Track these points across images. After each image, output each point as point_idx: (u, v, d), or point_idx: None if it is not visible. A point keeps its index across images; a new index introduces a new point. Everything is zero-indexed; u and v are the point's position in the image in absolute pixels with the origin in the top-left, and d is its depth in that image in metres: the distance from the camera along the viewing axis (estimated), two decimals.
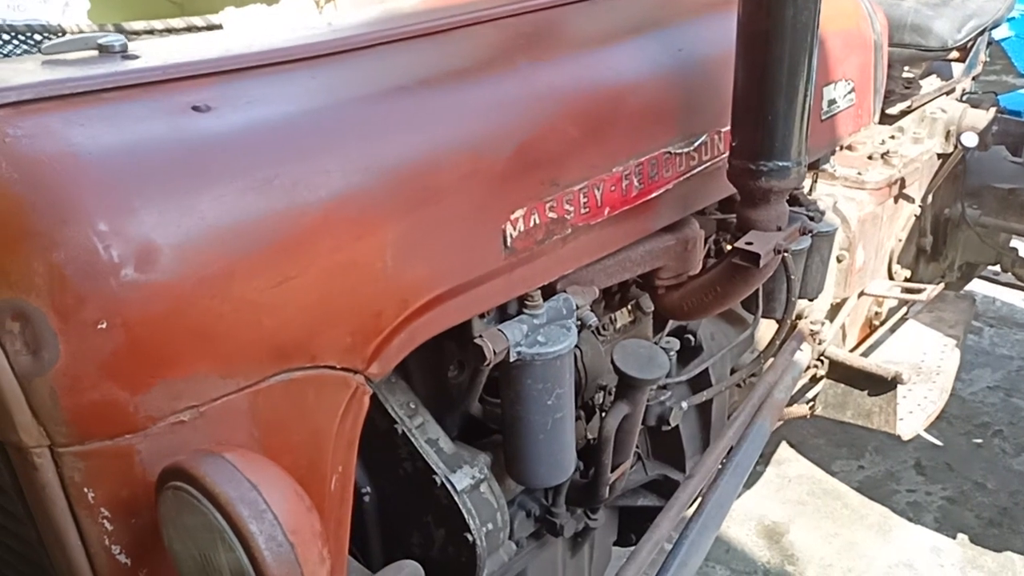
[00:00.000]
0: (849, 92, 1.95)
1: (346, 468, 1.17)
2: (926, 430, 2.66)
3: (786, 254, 1.52)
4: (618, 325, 1.71)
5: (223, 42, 1.24)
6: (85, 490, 0.93)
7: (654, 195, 1.47)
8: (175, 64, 1.10)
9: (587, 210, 1.35)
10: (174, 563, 0.94)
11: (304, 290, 1.02)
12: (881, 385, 2.31)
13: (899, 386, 2.29)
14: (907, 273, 2.85)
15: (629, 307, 1.73)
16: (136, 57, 1.13)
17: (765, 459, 3.30)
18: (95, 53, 1.13)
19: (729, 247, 1.93)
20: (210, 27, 2.75)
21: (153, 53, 1.15)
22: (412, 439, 1.36)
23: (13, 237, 0.87)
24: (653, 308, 1.74)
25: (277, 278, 1.00)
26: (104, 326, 0.87)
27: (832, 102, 1.91)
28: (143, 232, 0.90)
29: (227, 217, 0.97)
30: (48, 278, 0.86)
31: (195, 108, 1.04)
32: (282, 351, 1.02)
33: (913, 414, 2.33)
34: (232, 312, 0.96)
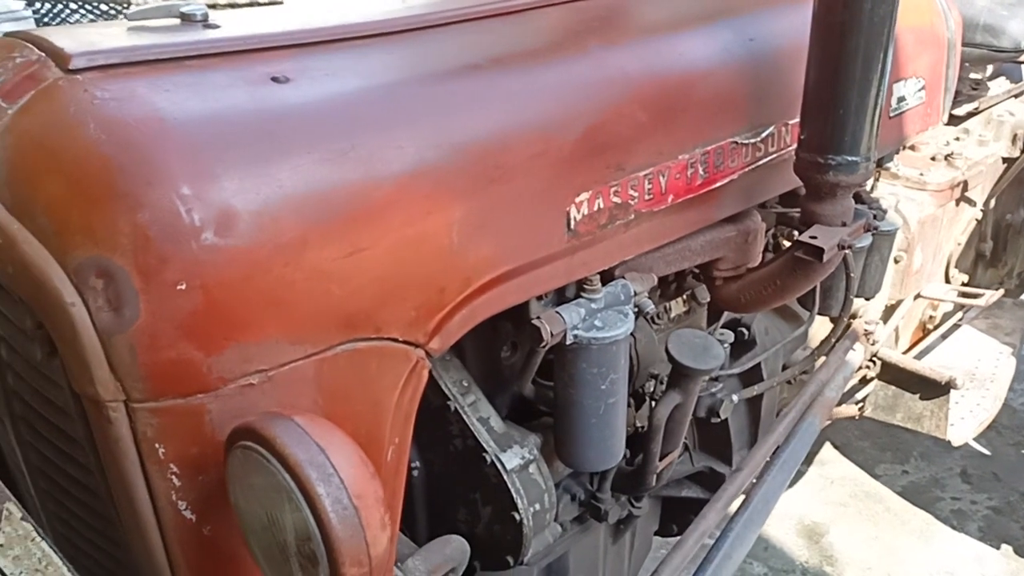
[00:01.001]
0: (919, 90, 1.92)
1: (402, 440, 1.18)
2: (974, 438, 2.61)
3: (848, 251, 1.50)
4: (672, 314, 1.71)
5: (301, 15, 1.25)
6: (156, 446, 0.95)
7: (718, 185, 1.46)
8: (255, 35, 1.12)
9: (651, 196, 1.35)
10: (238, 520, 0.96)
11: (374, 262, 1.04)
12: (934, 389, 2.28)
13: (952, 391, 2.25)
14: (965, 277, 2.80)
15: (684, 297, 1.72)
16: (217, 27, 1.15)
17: (808, 459, 3.26)
18: (177, 21, 1.16)
19: (787, 241, 1.92)
20: (272, 1, 2.78)
21: (233, 23, 1.17)
22: (464, 416, 1.37)
23: (100, 197, 0.90)
24: (708, 299, 1.73)
25: (348, 248, 1.01)
26: (183, 287, 0.90)
27: (901, 99, 1.87)
28: (223, 197, 0.92)
29: (303, 186, 0.98)
30: (132, 238, 0.88)
31: (274, 79, 1.06)
32: (349, 321, 1.04)
33: (965, 420, 2.30)
34: (304, 280, 0.98)
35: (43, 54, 1.01)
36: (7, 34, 1.10)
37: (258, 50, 1.10)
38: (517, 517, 1.37)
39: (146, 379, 0.92)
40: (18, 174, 0.94)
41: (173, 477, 0.97)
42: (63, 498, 1.14)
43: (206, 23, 1.15)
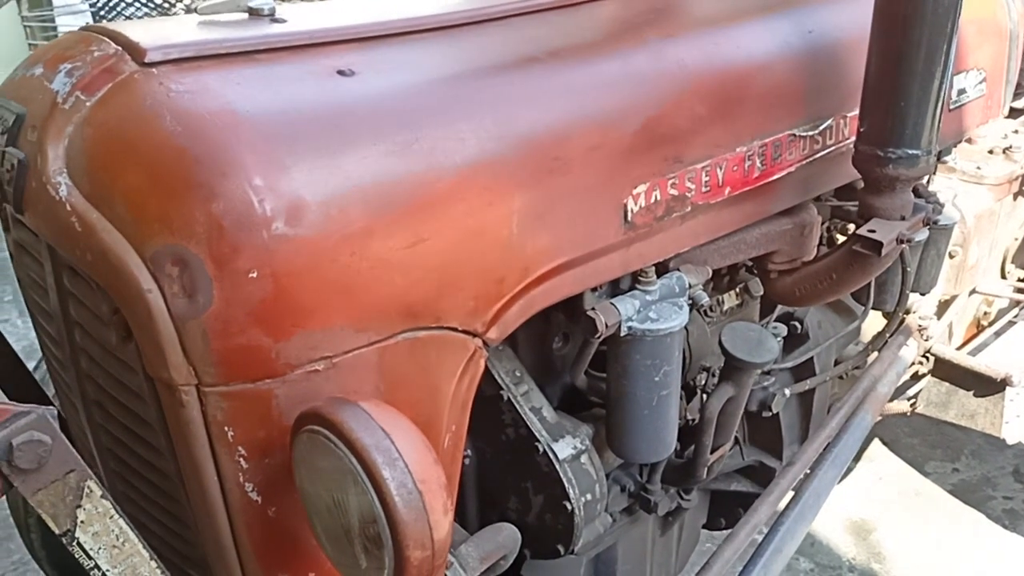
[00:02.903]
0: (980, 82, 1.89)
1: (459, 428, 1.20)
2: None
3: (906, 246, 1.49)
4: (725, 307, 1.70)
5: (364, 9, 1.27)
6: (226, 429, 0.98)
7: (775, 177, 1.45)
8: (321, 29, 1.15)
9: (708, 189, 1.35)
10: (304, 503, 0.99)
11: (435, 252, 1.06)
12: (989, 386, 2.24)
13: (1007, 388, 2.22)
14: (1021, 273, 2.74)
15: (737, 290, 1.72)
16: (283, 21, 1.17)
17: (857, 455, 3.22)
18: (245, 16, 1.18)
19: (841, 236, 1.90)
20: None
21: (299, 18, 1.19)
22: (516, 406, 1.39)
23: (176, 187, 0.93)
24: (762, 292, 1.72)
25: (412, 239, 1.03)
26: (255, 275, 0.92)
27: (962, 91, 1.84)
28: (293, 188, 0.95)
29: (369, 178, 1.00)
30: (207, 227, 0.91)
31: (340, 72, 1.08)
32: (411, 310, 1.06)
33: (1020, 418, 2.26)
34: (369, 269, 1.00)
35: (119, 48, 1.04)
36: (83, 28, 1.13)
37: (324, 44, 1.12)
38: (569, 507, 1.39)
39: (217, 364, 0.95)
40: (97, 164, 0.98)
41: (241, 459, 1.00)
42: (133, 479, 1.18)
43: (273, 17, 1.17)
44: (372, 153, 1.02)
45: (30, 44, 6.60)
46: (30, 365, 1.68)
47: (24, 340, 3.52)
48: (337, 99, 1.05)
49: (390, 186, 1.02)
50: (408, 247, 1.03)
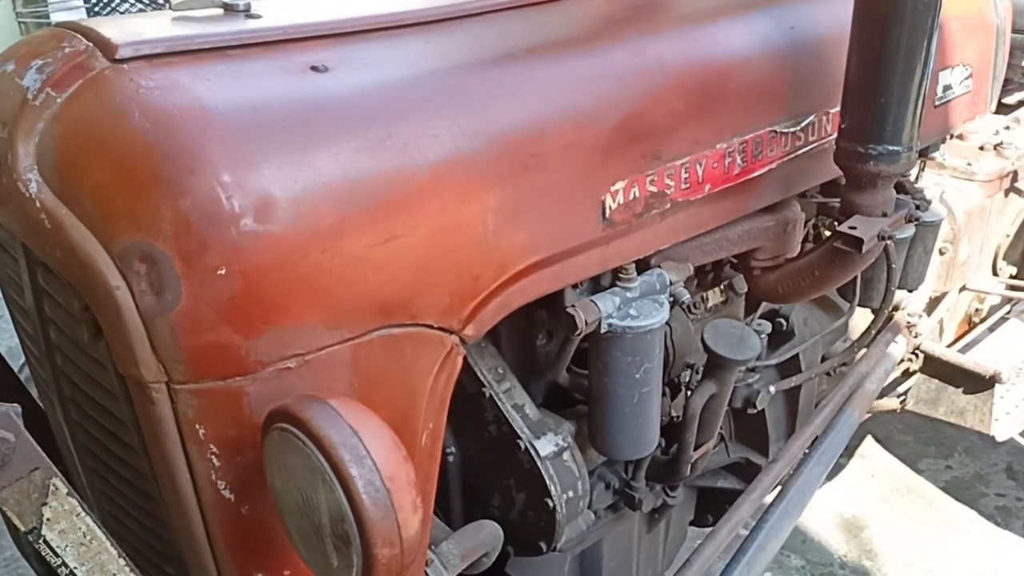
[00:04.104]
0: (966, 78, 1.88)
1: (436, 426, 1.20)
2: (1020, 434, 2.56)
3: (889, 242, 1.48)
4: (709, 304, 1.70)
5: (340, 5, 1.27)
6: (197, 426, 0.98)
7: (756, 174, 1.45)
8: (295, 25, 1.14)
9: (688, 186, 1.34)
10: (275, 501, 0.99)
11: (409, 249, 1.05)
12: (978, 383, 2.24)
13: (997, 386, 2.21)
14: (1013, 270, 2.73)
15: (722, 287, 1.71)
16: (259, 16, 1.17)
17: (849, 452, 3.23)
18: (220, 11, 1.18)
19: (827, 232, 1.90)
20: None
21: (274, 13, 1.19)
22: (499, 403, 1.39)
23: (143, 183, 0.92)
24: (746, 289, 1.72)
25: (384, 236, 1.03)
26: (223, 272, 0.92)
27: (947, 88, 1.84)
28: (263, 185, 0.94)
29: (341, 174, 1.00)
30: (175, 224, 0.90)
31: (313, 68, 1.08)
32: (384, 307, 1.06)
33: (1010, 415, 2.25)
34: (341, 266, 1.00)
35: (91, 44, 1.04)
36: (56, 24, 1.13)
37: (298, 40, 1.12)
38: (550, 504, 1.38)
39: (187, 361, 0.94)
40: (66, 161, 0.97)
41: (213, 457, 1.00)
42: (108, 476, 1.18)
43: (248, 13, 1.17)
44: (344, 150, 1.01)
45: None
46: (18, 365, 1.68)
47: (13, 340, 3.52)
48: (310, 95, 1.04)
49: (362, 183, 1.01)
50: (381, 244, 1.03)
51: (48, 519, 0.82)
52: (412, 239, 1.05)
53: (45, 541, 0.83)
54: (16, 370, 1.61)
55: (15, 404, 0.78)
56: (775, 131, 1.46)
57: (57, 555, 0.84)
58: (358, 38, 1.16)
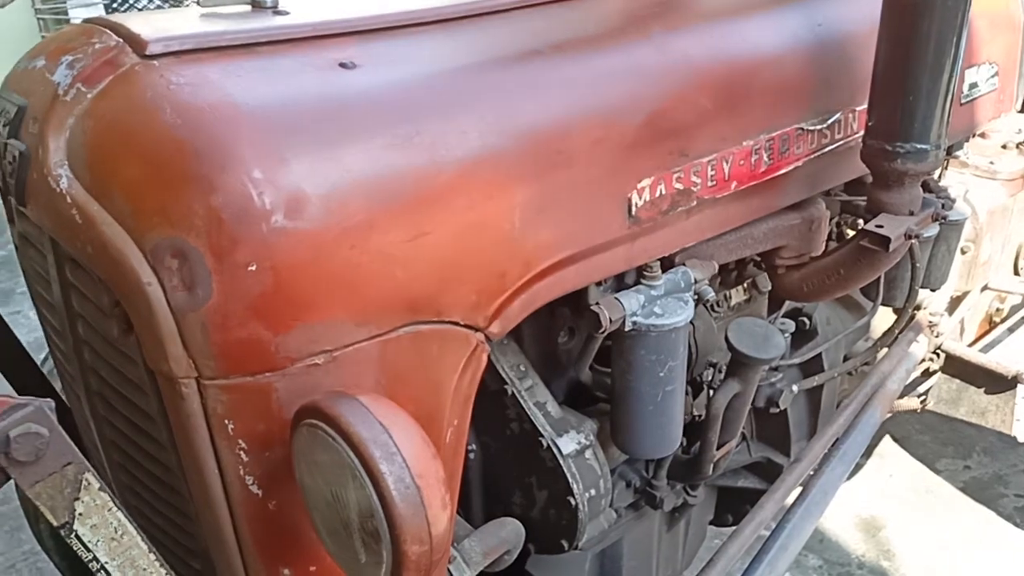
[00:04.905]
0: (992, 76, 1.86)
1: (461, 423, 1.20)
2: None
3: (915, 241, 1.47)
4: (732, 303, 1.69)
5: (366, 2, 1.27)
6: (226, 422, 0.98)
7: (783, 172, 1.44)
8: (323, 22, 1.14)
9: (714, 183, 1.34)
10: (303, 496, 0.99)
11: (436, 246, 1.05)
12: (999, 383, 2.22)
13: (1019, 385, 2.19)
14: None
15: (745, 285, 1.71)
16: (286, 13, 1.17)
17: (867, 452, 3.20)
18: (248, 8, 1.18)
19: (851, 231, 1.88)
20: None
21: (302, 10, 1.19)
22: (521, 400, 1.38)
23: (175, 179, 0.92)
24: (770, 288, 1.71)
25: (412, 232, 1.02)
26: (254, 268, 0.92)
27: (973, 85, 1.82)
28: (293, 181, 0.94)
29: (370, 171, 1.00)
30: (206, 220, 0.91)
31: (342, 65, 1.08)
32: (412, 304, 1.06)
33: None
34: (369, 263, 1.00)
35: (120, 40, 1.04)
36: (85, 20, 1.13)
37: (326, 36, 1.11)
38: (573, 502, 1.38)
39: (217, 357, 0.94)
40: (97, 157, 0.97)
41: (241, 452, 1.00)
42: (135, 471, 1.18)
43: (276, 10, 1.17)
44: (373, 146, 1.01)
45: (43, 37, 6.64)
46: (40, 357, 1.69)
47: (36, 331, 3.54)
48: (338, 92, 1.04)
49: (391, 179, 1.01)
50: (409, 240, 1.03)
51: (80, 514, 0.82)
52: (440, 236, 1.05)
53: (77, 536, 0.83)
54: (38, 363, 1.62)
55: (48, 399, 0.78)
56: (802, 128, 1.45)
57: (88, 550, 0.84)
58: (385, 35, 1.16)
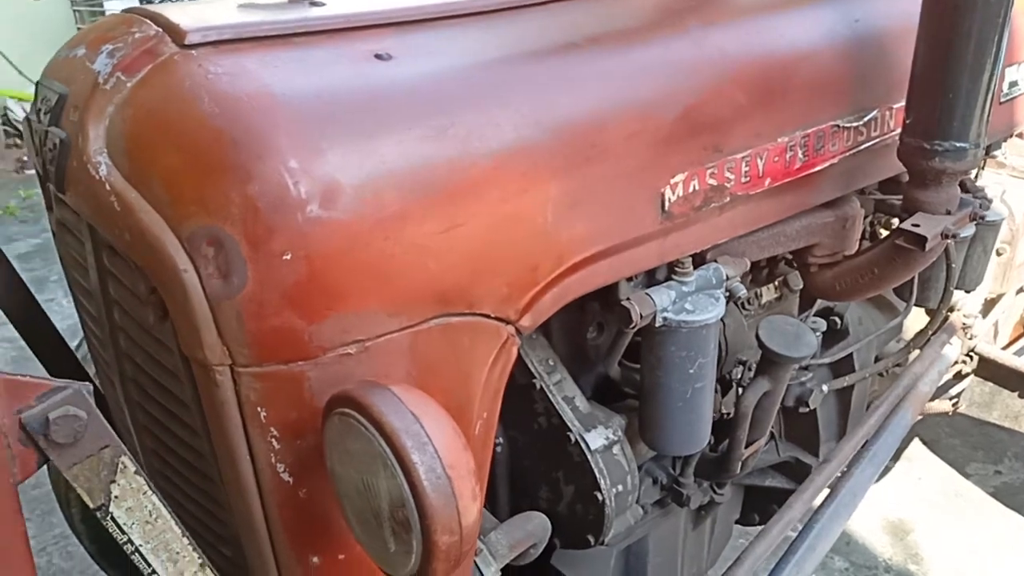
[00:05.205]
0: None
1: (490, 416, 1.20)
2: None
3: (951, 241, 1.45)
4: (763, 300, 1.68)
5: None
6: (258, 409, 0.99)
7: (817, 169, 1.42)
8: (358, 13, 1.14)
9: (748, 179, 1.32)
10: (334, 485, 0.99)
11: (469, 238, 1.05)
12: None
13: None
14: None
15: (776, 283, 1.69)
16: (322, 4, 1.17)
17: (896, 454, 3.16)
18: (285, 0, 1.19)
19: (883, 230, 1.86)
20: None
21: (337, 2, 1.19)
22: (549, 395, 1.38)
23: (213, 168, 0.93)
24: (801, 286, 1.70)
25: (446, 224, 1.03)
26: (288, 257, 0.92)
27: (1013, 84, 1.79)
28: (328, 171, 0.95)
29: (404, 162, 1.00)
30: (243, 208, 0.91)
31: (377, 56, 1.08)
32: (444, 295, 1.06)
33: None
34: (403, 254, 1.00)
35: (160, 29, 1.05)
36: (125, 10, 1.14)
37: (361, 28, 1.12)
38: (600, 497, 1.38)
39: (251, 345, 0.95)
40: (136, 144, 0.99)
41: (273, 440, 1.01)
42: (168, 456, 1.19)
43: (312, 1, 1.17)
44: (408, 137, 1.01)
45: (79, 28, 6.73)
46: (74, 344, 1.72)
47: (70, 319, 3.59)
48: (373, 83, 1.05)
49: (425, 171, 1.02)
50: (442, 232, 1.03)
51: (116, 496, 0.83)
52: (473, 228, 1.05)
53: (112, 518, 0.84)
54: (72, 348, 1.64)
55: (87, 383, 0.79)
56: (838, 126, 1.43)
57: (123, 532, 0.85)
58: (421, 27, 1.16)
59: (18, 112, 6.77)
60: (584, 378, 1.51)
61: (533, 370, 1.38)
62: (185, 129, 0.96)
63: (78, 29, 6.70)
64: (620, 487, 1.39)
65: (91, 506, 0.82)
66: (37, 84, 1.18)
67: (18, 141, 6.83)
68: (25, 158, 6.44)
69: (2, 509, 0.76)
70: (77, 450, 0.79)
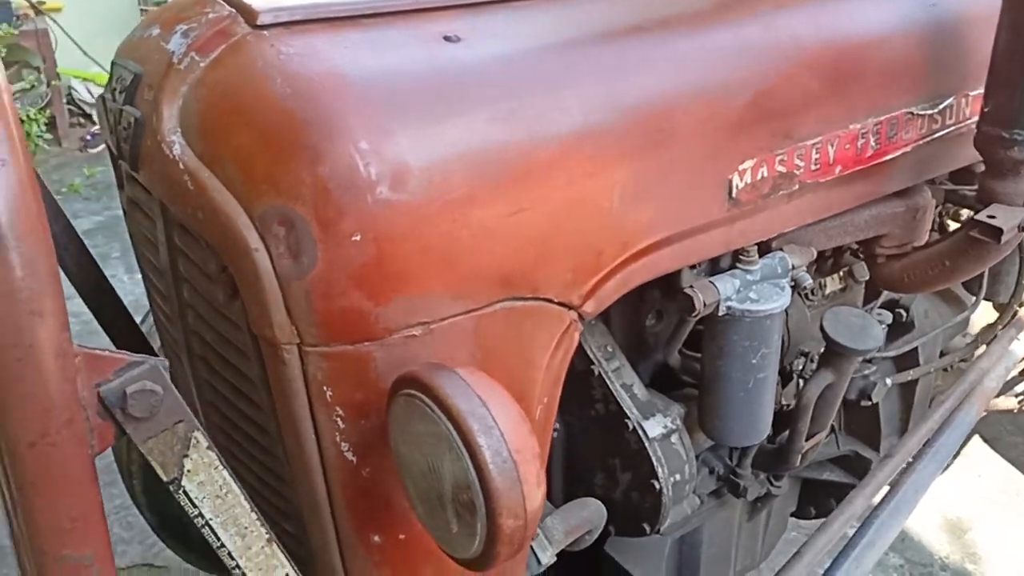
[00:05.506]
0: None
1: (550, 401, 1.20)
2: None
3: None
4: (827, 291, 1.65)
5: None
6: (324, 388, 1.00)
7: (889, 157, 1.39)
8: None
9: (817, 167, 1.30)
10: (397, 465, 1.00)
11: (535, 222, 1.05)
12: None
13: None
14: None
15: (841, 274, 1.66)
16: None
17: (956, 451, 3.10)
18: None
19: (953, 221, 1.81)
20: None
21: None
22: (607, 381, 1.37)
23: (285, 148, 0.94)
24: (866, 277, 1.66)
25: (512, 208, 1.02)
26: (358, 239, 0.93)
27: None
28: (398, 153, 0.95)
29: (472, 145, 1.00)
30: (313, 189, 0.92)
31: (446, 38, 1.08)
32: (508, 279, 1.05)
33: None
34: (469, 237, 1.00)
35: (233, 10, 1.06)
36: None
37: (431, 9, 1.11)
38: (657, 486, 1.37)
39: (319, 325, 0.96)
40: (209, 125, 1.00)
41: (338, 419, 1.02)
42: (233, 433, 1.21)
43: None
44: (476, 120, 1.01)
45: (142, 10, 6.85)
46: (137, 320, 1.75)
47: (130, 295, 3.66)
48: (443, 65, 1.04)
49: (493, 153, 1.01)
50: (509, 216, 1.02)
51: (188, 471, 0.85)
52: (539, 212, 1.05)
53: (184, 492, 0.86)
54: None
55: (163, 359, 0.81)
56: (911, 113, 1.39)
57: (195, 506, 0.87)
58: (489, 8, 1.16)
59: (82, 92, 6.92)
60: (642, 366, 1.50)
61: (591, 356, 1.37)
62: (257, 109, 0.97)
63: (141, 10, 6.82)
64: (678, 476, 1.38)
65: (164, 480, 0.84)
66: (112, 63, 1.20)
67: (82, 120, 6.99)
68: (88, 137, 6.59)
69: (81, 480, 0.77)
70: (152, 424, 0.80)
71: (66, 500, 0.77)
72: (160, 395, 0.80)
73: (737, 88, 1.20)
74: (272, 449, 1.13)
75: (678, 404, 1.43)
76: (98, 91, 6.88)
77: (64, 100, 6.76)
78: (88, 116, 6.95)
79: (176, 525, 2.24)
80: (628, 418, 1.37)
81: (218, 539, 0.90)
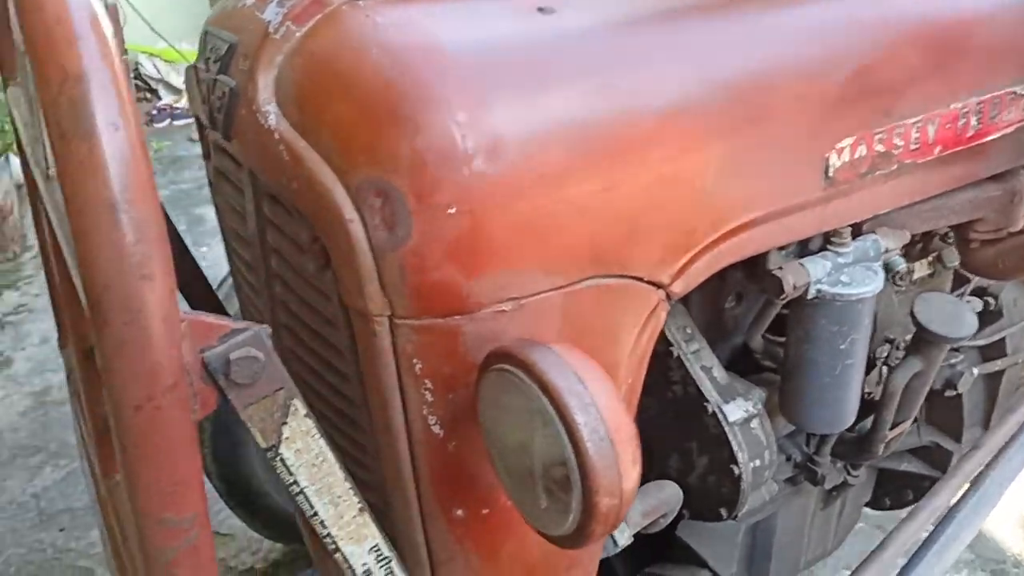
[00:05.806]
0: None
1: (635, 382, 1.18)
2: None
3: None
4: (915, 276, 1.60)
5: None
6: (414, 361, 0.99)
7: (990, 138, 1.34)
8: None
9: (917, 146, 1.25)
10: (486, 440, 1.00)
11: (628, 198, 1.03)
12: None
13: None
14: None
15: (930, 259, 1.61)
16: None
17: None
18: None
19: None
20: None
21: None
22: (687, 363, 1.35)
23: (382, 119, 0.93)
24: (956, 263, 1.61)
25: (606, 183, 1.00)
26: (453, 211, 0.92)
27: None
28: (494, 125, 0.93)
29: (568, 118, 0.98)
30: (410, 161, 0.91)
31: (540, 9, 1.06)
32: (599, 256, 1.04)
33: None
34: (563, 212, 0.98)
35: None
36: None
37: None
38: (736, 471, 1.35)
39: (411, 297, 0.95)
40: (306, 95, 1.00)
41: (426, 392, 1.01)
42: (318, 403, 1.22)
43: None
44: (571, 93, 0.99)
45: None
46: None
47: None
48: (538, 37, 1.03)
49: (588, 127, 0.99)
50: (602, 191, 1.00)
51: (286, 438, 0.85)
52: (632, 188, 1.03)
53: (281, 459, 0.86)
54: None
55: (266, 326, 0.81)
56: (1015, 93, 1.34)
57: (291, 473, 0.88)
58: None
59: (148, 68, 7.05)
60: (720, 348, 1.47)
61: (671, 337, 1.35)
62: (354, 80, 0.96)
63: None
64: (758, 461, 1.36)
65: (263, 446, 0.85)
66: (204, 32, 1.20)
67: (147, 95, 7.12)
68: (154, 111, 6.71)
69: (183, 444, 0.78)
70: (254, 391, 0.81)
71: (169, 464, 0.78)
72: (262, 362, 0.80)
73: (837, 63, 1.17)
74: (358, 419, 1.13)
75: (759, 389, 1.41)
76: (164, 67, 6.99)
77: (132, 75, 6.89)
78: (154, 91, 7.07)
79: (243, 493, 2.29)
80: (707, 401, 1.34)
81: (312, 507, 0.90)
